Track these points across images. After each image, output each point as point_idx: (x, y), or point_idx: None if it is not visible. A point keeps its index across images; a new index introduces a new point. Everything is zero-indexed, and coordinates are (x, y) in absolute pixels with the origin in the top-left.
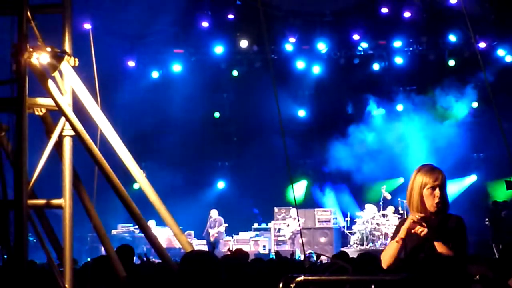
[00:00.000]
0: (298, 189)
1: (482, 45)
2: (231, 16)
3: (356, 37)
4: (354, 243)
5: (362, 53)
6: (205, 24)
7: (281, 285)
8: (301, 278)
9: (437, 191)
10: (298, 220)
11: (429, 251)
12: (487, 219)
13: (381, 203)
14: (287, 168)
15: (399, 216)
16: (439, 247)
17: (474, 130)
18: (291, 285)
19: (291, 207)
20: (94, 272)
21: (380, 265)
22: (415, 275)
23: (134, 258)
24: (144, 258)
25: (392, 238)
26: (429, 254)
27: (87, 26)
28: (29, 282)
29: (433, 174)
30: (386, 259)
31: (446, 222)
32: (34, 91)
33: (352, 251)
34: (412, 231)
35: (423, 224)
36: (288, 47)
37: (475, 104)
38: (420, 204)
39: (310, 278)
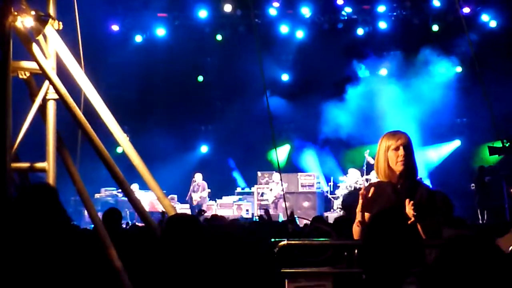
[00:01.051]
0: (281, 154)
1: (466, 10)
2: None
3: (340, 1)
4: (337, 208)
5: (346, 18)
6: None
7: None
8: (285, 242)
9: (400, 151)
10: (282, 185)
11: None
12: (473, 184)
13: (364, 167)
14: (271, 132)
15: None
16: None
17: (458, 95)
18: (275, 250)
19: (274, 172)
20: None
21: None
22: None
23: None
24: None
25: (357, 205)
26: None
27: None
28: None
29: (396, 135)
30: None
31: (415, 189)
32: (18, 54)
33: (335, 215)
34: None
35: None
36: (272, 11)
37: (459, 69)
38: (387, 168)
39: (293, 242)
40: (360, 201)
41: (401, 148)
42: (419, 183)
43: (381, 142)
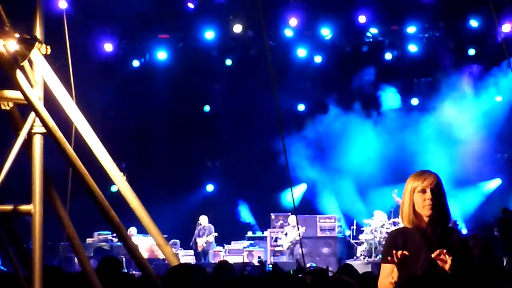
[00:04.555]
0: (297, 194)
1: (506, 28)
2: None
3: (362, 19)
4: (361, 255)
5: (371, 40)
6: (192, 5)
7: None
8: None
9: (427, 193)
10: (298, 228)
11: (431, 269)
12: (495, 229)
13: (391, 209)
14: (286, 169)
15: None
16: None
17: (498, 127)
18: None
19: (290, 214)
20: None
21: None
22: None
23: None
24: None
25: (383, 257)
26: (432, 273)
27: (63, 4)
28: None
29: (422, 175)
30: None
31: (447, 237)
32: (0, 82)
33: (359, 263)
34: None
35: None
36: (288, 32)
37: (499, 98)
38: (412, 213)
39: None
40: (394, 261)
41: (428, 190)
42: (452, 230)
43: (407, 184)
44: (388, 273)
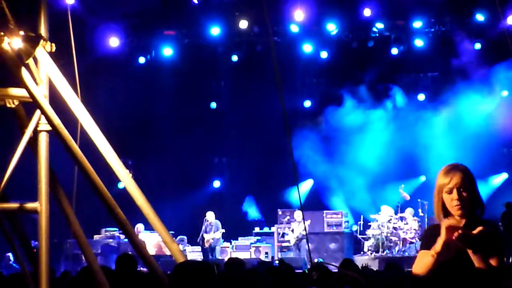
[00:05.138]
0: (304, 189)
1: (511, 20)
2: None
3: (367, 12)
4: (368, 250)
5: (377, 35)
6: (197, 1)
7: None
8: None
9: (454, 194)
10: (304, 224)
11: (465, 265)
12: (500, 223)
13: (398, 205)
14: (292, 165)
15: (419, 219)
16: (477, 261)
17: (505, 121)
18: None
19: (296, 209)
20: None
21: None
22: None
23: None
24: None
25: (422, 247)
26: (465, 269)
27: (69, 0)
28: None
29: (449, 174)
30: (419, 272)
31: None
32: (6, 80)
33: (366, 258)
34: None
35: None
36: (294, 28)
37: (505, 93)
38: (441, 210)
39: None
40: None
41: (454, 191)
42: (485, 222)
43: (436, 180)
44: (425, 262)
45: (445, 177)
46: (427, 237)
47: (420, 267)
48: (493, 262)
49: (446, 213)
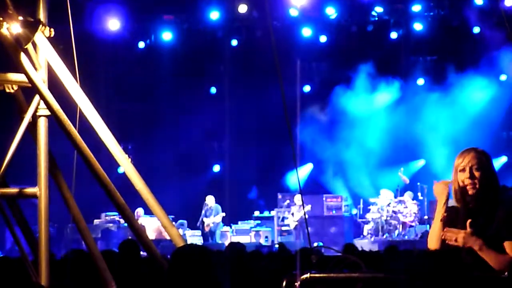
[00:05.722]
0: (304, 173)
1: (509, 2)
2: None
3: None
4: (368, 233)
5: (376, 18)
6: None
7: (284, 283)
8: (307, 275)
9: (466, 172)
10: (303, 207)
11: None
12: None
13: (398, 188)
14: (292, 149)
15: (418, 203)
16: (486, 256)
17: (503, 105)
18: (296, 284)
19: (296, 193)
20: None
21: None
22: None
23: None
24: None
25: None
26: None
27: None
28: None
29: (462, 155)
30: (432, 242)
31: (493, 212)
32: (4, 65)
33: (366, 242)
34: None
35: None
36: (293, 12)
37: (503, 77)
38: (459, 191)
39: (317, 275)
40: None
41: (467, 169)
42: (500, 203)
43: (454, 163)
44: (435, 229)
45: (459, 158)
46: (448, 217)
47: (432, 235)
48: (507, 246)
49: (463, 194)
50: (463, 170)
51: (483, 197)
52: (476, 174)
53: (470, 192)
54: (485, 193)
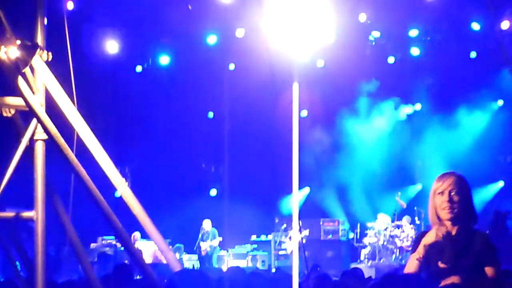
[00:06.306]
0: (301, 197)
1: (505, 25)
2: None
3: (362, 18)
4: (365, 258)
5: (373, 43)
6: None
7: None
8: None
9: (445, 195)
10: (300, 232)
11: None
12: (487, 231)
13: (395, 213)
14: (293, 174)
15: (415, 227)
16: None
17: (499, 130)
18: None
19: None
20: None
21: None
22: None
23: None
24: None
25: (412, 251)
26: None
27: (70, 6)
28: None
29: (442, 178)
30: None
31: (471, 238)
32: (2, 89)
33: (363, 266)
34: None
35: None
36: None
37: (500, 102)
38: (435, 214)
39: None
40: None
41: (445, 192)
42: (476, 231)
43: (432, 186)
44: (412, 265)
45: (438, 181)
46: (416, 243)
47: (408, 270)
48: (489, 272)
49: (439, 218)
50: (442, 193)
51: (460, 222)
52: (455, 198)
53: (447, 216)
54: (462, 219)
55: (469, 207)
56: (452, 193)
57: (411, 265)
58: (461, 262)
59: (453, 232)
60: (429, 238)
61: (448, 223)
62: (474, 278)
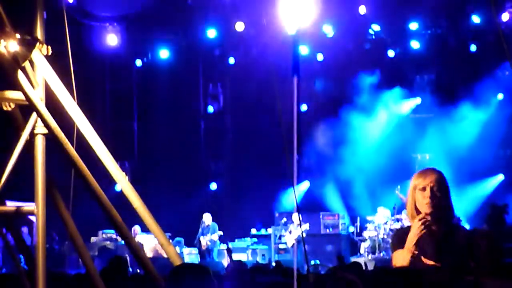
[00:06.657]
0: (300, 191)
1: (505, 17)
2: None
3: (362, 10)
4: (364, 251)
5: (373, 37)
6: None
7: None
8: None
9: (427, 191)
10: (300, 226)
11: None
12: (485, 226)
13: (395, 206)
14: (290, 168)
15: None
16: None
17: (500, 124)
18: None
19: (294, 211)
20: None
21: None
22: None
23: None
24: None
25: (394, 248)
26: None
27: None
28: None
29: (423, 174)
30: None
31: (452, 234)
32: (2, 83)
33: (362, 260)
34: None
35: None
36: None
37: (500, 96)
38: (414, 210)
39: None
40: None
41: (427, 188)
42: (456, 227)
43: (411, 182)
44: (403, 259)
45: (419, 177)
46: (399, 239)
47: (399, 263)
48: (470, 267)
49: (419, 213)
50: (423, 189)
51: (440, 218)
52: (437, 194)
53: (427, 211)
54: (442, 214)
55: (448, 203)
56: (435, 189)
57: (403, 260)
58: (443, 257)
59: (434, 228)
60: (414, 234)
61: (429, 218)
62: (456, 273)
